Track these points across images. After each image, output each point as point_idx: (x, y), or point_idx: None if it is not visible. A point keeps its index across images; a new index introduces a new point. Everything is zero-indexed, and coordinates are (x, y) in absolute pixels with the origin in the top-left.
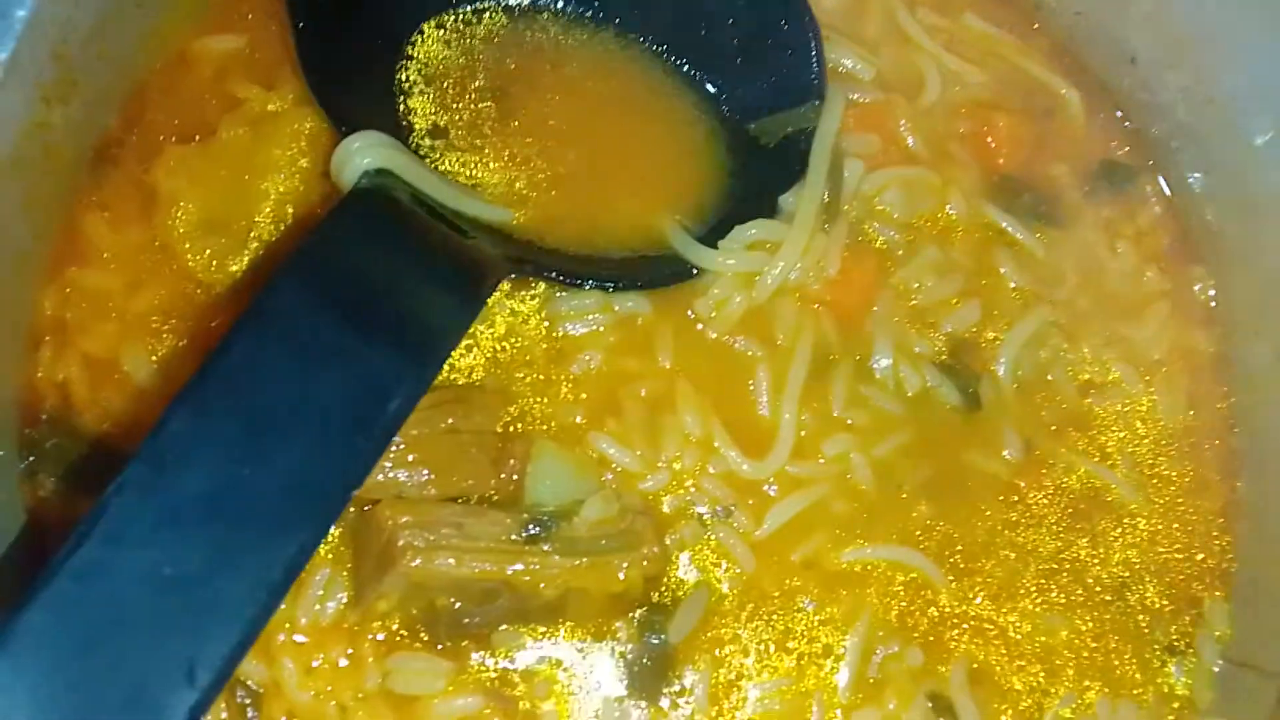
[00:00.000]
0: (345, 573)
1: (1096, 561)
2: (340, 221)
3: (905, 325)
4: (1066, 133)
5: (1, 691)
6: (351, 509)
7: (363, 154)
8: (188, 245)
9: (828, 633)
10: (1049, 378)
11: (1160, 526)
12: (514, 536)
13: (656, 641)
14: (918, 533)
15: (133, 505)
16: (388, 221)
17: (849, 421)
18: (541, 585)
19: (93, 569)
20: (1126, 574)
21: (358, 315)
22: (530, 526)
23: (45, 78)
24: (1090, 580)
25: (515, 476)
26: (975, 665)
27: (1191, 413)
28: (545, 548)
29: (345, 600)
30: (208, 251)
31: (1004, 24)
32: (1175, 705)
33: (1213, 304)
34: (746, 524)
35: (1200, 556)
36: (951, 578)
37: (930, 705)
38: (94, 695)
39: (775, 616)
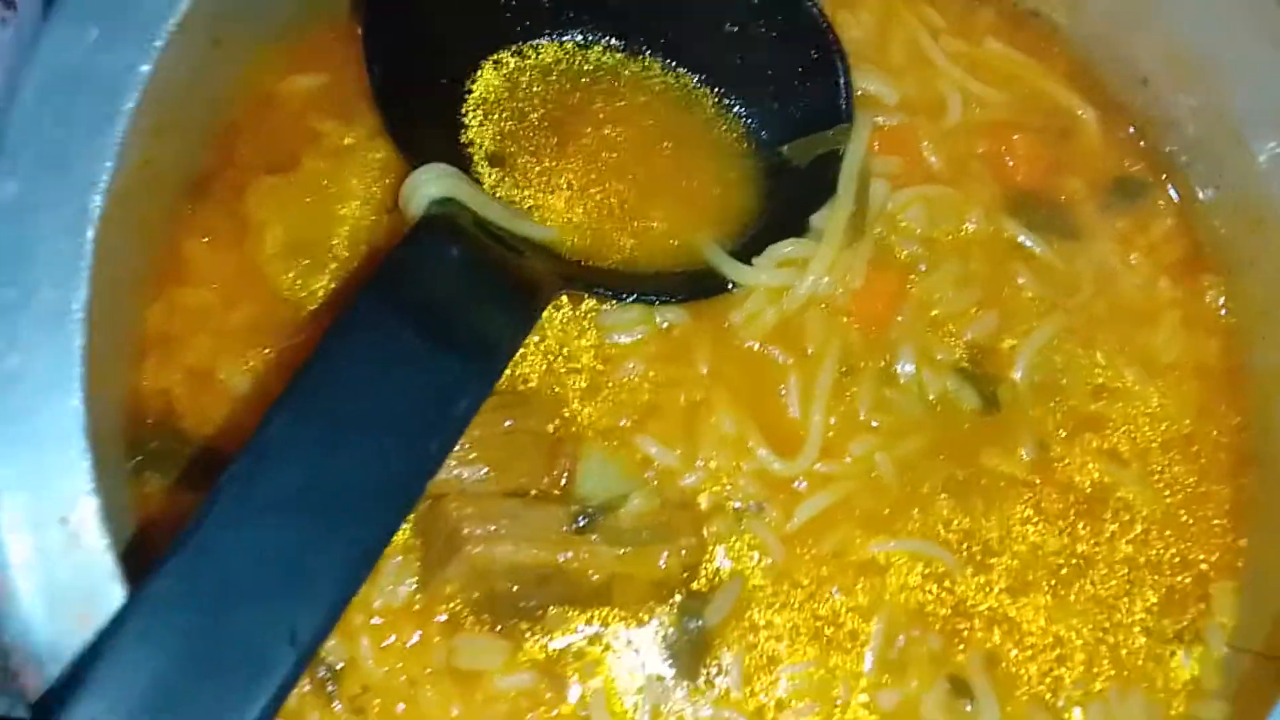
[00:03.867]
0: (416, 561)
1: (1106, 556)
2: (412, 246)
3: (927, 333)
4: (1082, 150)
5: (138, 640)
6: (423, 503)
7: (429, 185)
8: (276, 267)
9: (853, 619)
10: (1063, 382)
11: (1169, 523)
12: (565, 528)
13: (694, 625)
14: (938, 526)
15: (240, 493)
16: (453, 244)
17: (874, 424)
18: (590, 571)
19: (209, 545)
20: (1135, 568)
21: (430, 328)
22: (579, 519)
23: (153, 120)
24: (1102, 573)
25: (566, 473)
26: (990, 650)
27: (1202, 415)
28: (593, 538)
29: (415, 585)
30: (292, 273)
31: (1023, 47)
32: (1183, 691)
33: (1223, 311)
34: (777, 518)
35: (1206, 552)
36: (970, 569)
37: (949, 686)
38: (212, 649)
39: (804, 603)
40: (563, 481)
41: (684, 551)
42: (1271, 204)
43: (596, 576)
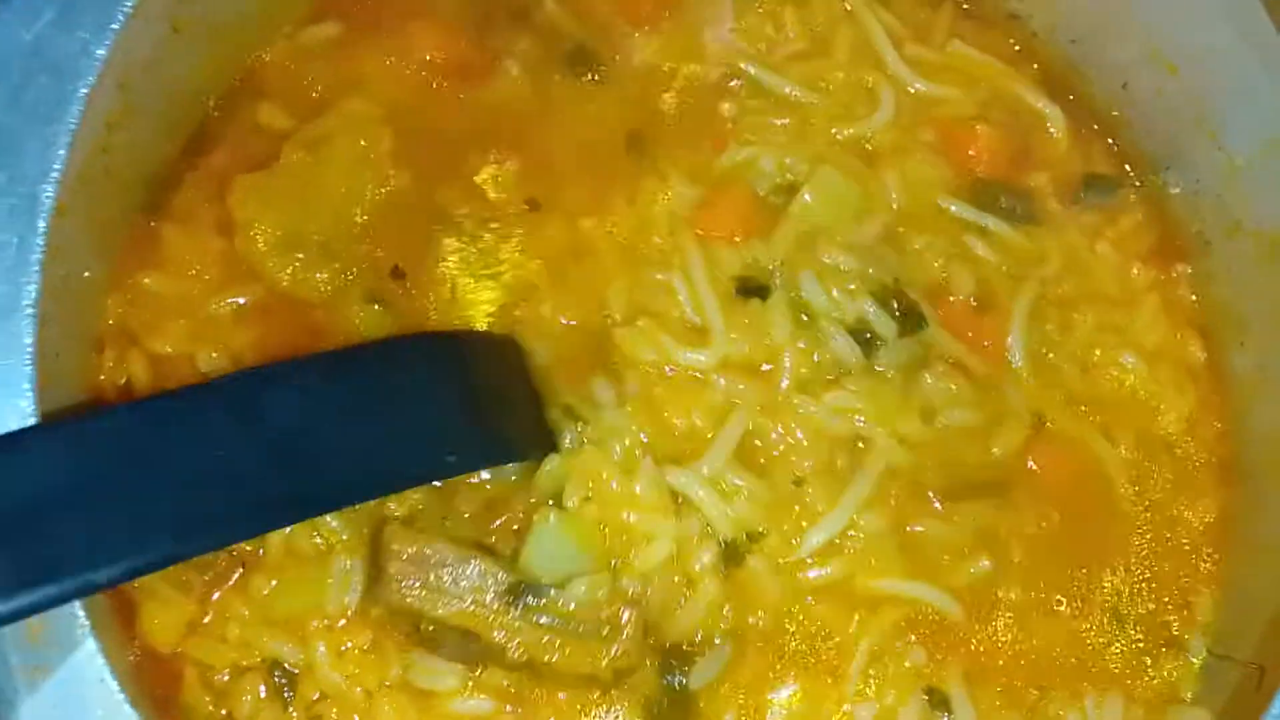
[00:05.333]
0: (363, 566)
1: (1086, 562)
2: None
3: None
4: (1050, 148)
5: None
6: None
7: None
8: (274, 262)
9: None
10: (1049, 355)
11: (1152, 529)
12: (494, 594)
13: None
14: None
15: (237, 395)
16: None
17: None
18: (510, 646)
19: (172, 418)
20: (1119, 573)
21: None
22: (514, 588)
23: (111, 106)
24: (1081, 580)
25: (515, 528)
26: (971, 662)
27: (1184, 410)
28: (517, 614)
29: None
30: (290, 268)
31: (996, 51)
32: (1162, 697)
33: (1197, 307)
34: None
35: (1188, 560)
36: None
37: (927, 699)
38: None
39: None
40: (512, 539)
41: (618, 655)
42: (1247, 206)
43: (518, 654)
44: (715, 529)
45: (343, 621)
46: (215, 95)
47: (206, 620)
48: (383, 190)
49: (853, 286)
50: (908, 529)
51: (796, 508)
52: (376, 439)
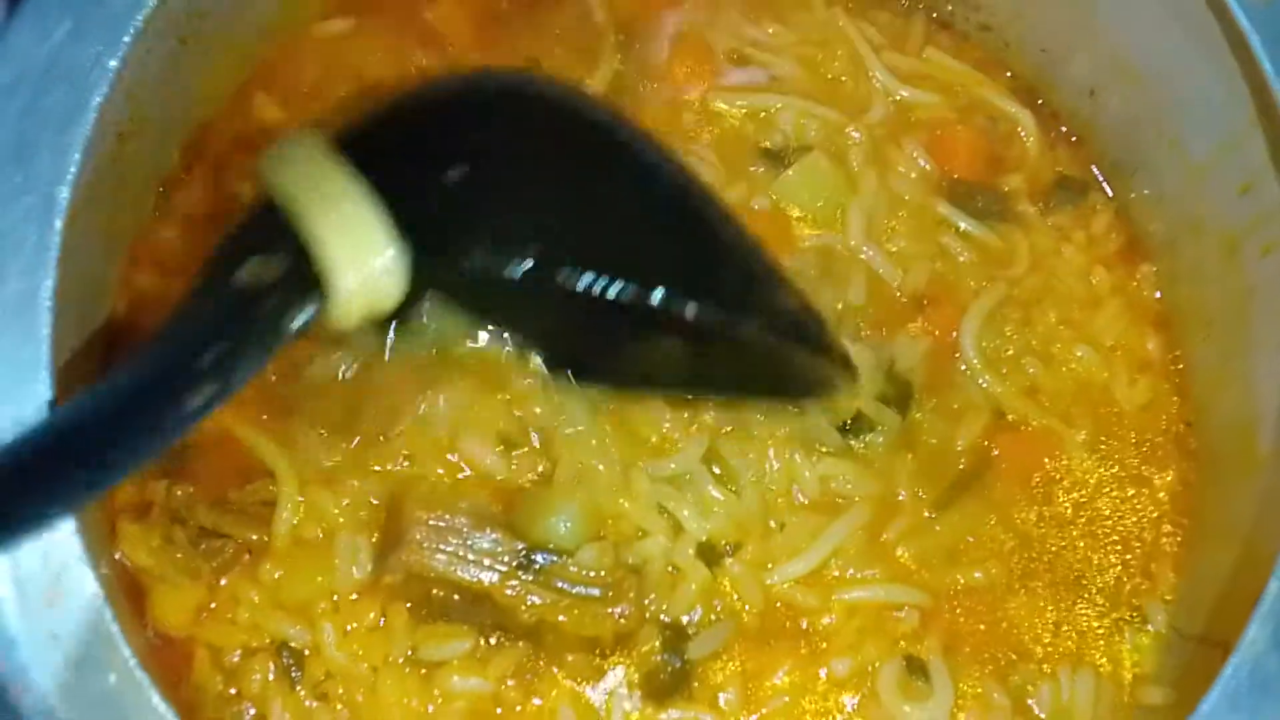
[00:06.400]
0: (371, 541)
1: (1055, 540)
2: None
3: None
4: (1022, 152)
5: None
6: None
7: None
8: None
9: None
10: (1008, 351)
11: (1115, 507)
12: (507, 559)
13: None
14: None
15: None
16: None
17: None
18: (522, 608)
19: None
20: (1085, 551)
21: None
22: (527, 554)
23: (123, 116)
24: (1050, 555)
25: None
26: (948, 632)
27: (1145, 401)
28: (529, 577)
29: (369, 568)
30: None
31: (970, 61)
32: (1130, 673)
33: (1160, 305)
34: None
35: (1148, 538)
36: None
37: (905, 663)
38: None
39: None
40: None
41: (621, 618)
42: (1208, 205)
43: (526, 615)
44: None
45: (354, 596)
46: (222, 100)
47: (215, 605)
48: None
49: None
50: (883, 538)
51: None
52: None
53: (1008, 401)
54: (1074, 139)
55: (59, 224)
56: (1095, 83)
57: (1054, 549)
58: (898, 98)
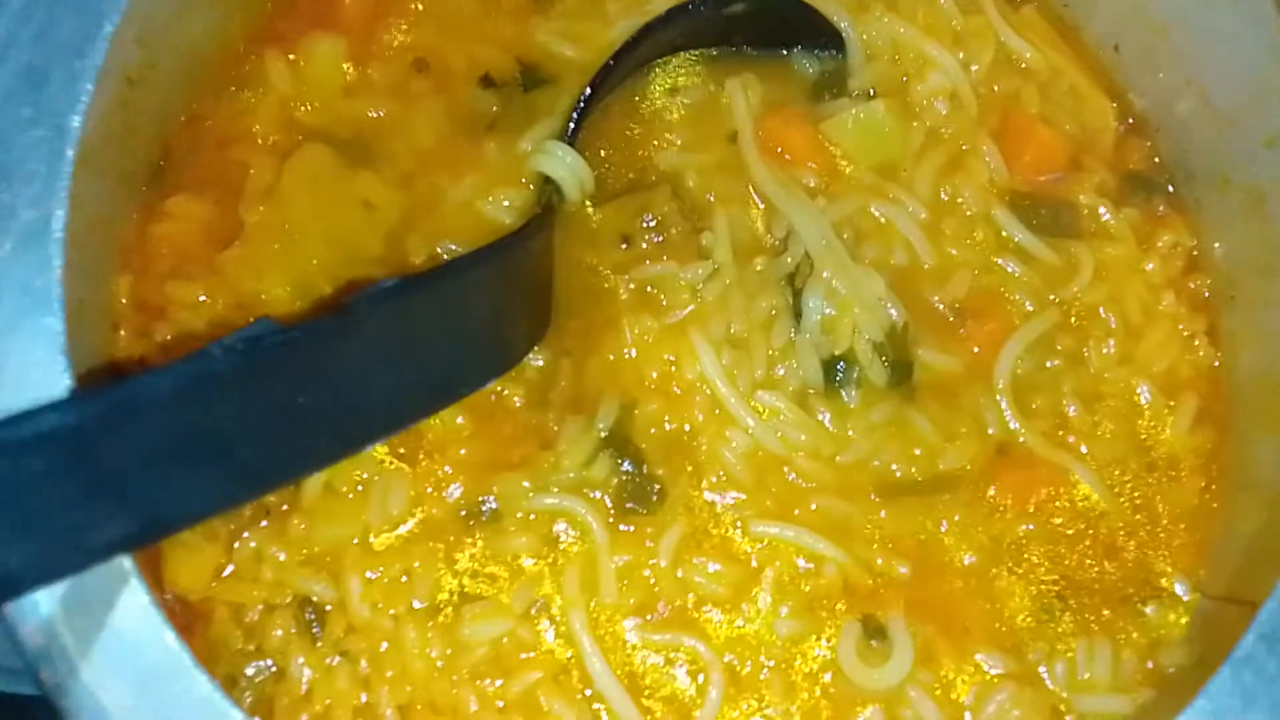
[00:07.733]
0: (403, 486)
1: (1072, 517)
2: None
3: None
4: (1099, 152)
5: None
6: None
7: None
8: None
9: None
10: (1049, 365)
11: (1135, 480)
12: None
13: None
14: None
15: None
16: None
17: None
18: None
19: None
20: (1102, 526)
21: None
22: None
23: (131, 60)
24: (1070, 533)
25: None
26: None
27: (1186, 420)
28: None
29: (398, 513)
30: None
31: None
32: (1148, 641)
33: (1207, 299)
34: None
35: (1173, 507)
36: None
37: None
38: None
39: None
40: None
41: None
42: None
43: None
44: None
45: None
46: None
47: (232, 566)
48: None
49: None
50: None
51: None
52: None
53: (1027, 440)
54: (1146, 143)
55: (70, 153)
56: (1173, 90)
57: (1068, 523)
58: (1004, 40)
